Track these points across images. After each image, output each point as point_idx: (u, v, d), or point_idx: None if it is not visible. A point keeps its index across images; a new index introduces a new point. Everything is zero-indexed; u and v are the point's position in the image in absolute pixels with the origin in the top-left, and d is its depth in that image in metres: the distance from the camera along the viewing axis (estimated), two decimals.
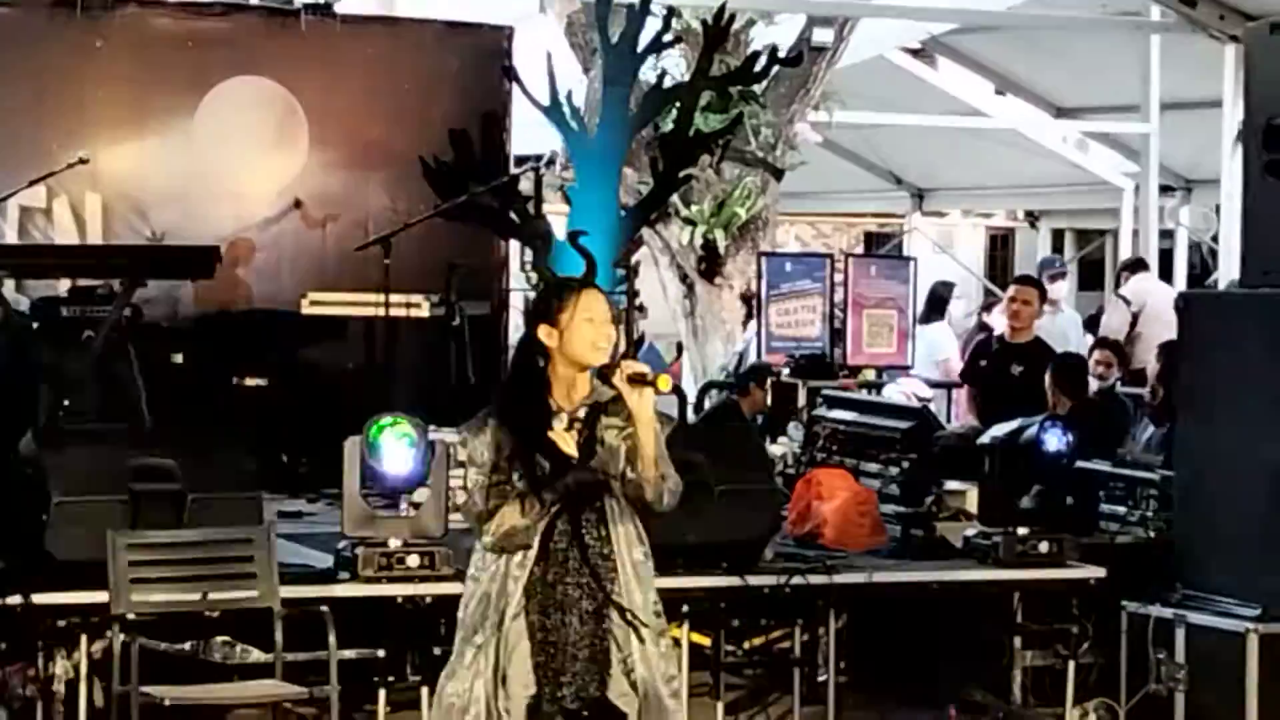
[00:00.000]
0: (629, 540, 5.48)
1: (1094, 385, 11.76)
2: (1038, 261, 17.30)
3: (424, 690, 7.74)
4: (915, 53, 20.38)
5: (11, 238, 11.28)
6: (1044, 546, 8.55)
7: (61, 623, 7.24)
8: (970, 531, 8.80)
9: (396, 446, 7.62)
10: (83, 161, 10.63)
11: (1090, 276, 29.68)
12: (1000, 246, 31.68)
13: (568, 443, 5.31)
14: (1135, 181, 18.54)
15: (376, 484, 7.70)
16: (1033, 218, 29.11)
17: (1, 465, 7.80)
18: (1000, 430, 8.87)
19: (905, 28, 17.91)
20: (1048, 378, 10.52)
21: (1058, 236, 29.85)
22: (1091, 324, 16.68)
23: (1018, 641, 8.64)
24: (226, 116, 11.85)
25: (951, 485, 9.47)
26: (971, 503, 9.29)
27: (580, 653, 5.39)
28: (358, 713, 8.04)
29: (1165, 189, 18.58)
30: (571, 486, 5.34)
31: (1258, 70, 8.81)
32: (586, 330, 5.42)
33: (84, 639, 7.27)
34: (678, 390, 11.79)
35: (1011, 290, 11.27)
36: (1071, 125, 20.28)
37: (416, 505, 7.72)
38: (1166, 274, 17.50)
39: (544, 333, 5.43)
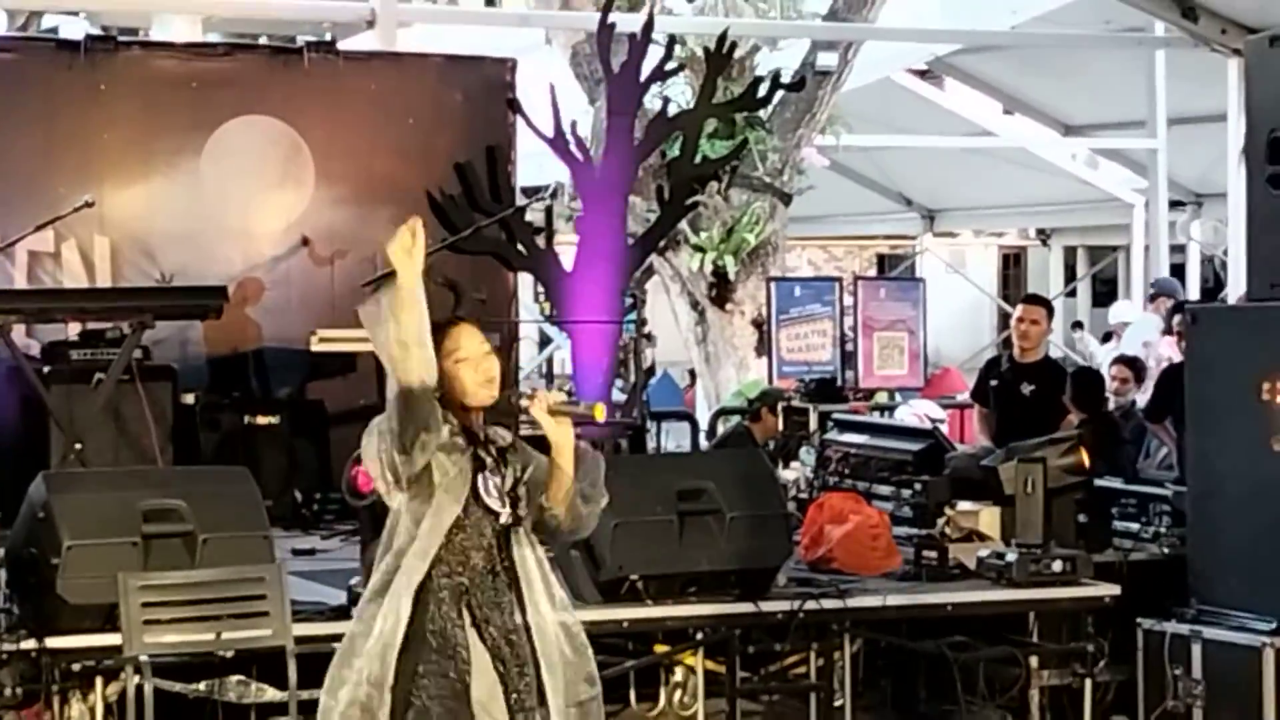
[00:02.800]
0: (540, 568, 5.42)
1: (1111, 402, 11.78)
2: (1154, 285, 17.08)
3: None
4: (921, 74, 20.43)
5: (21, 282, 11.30)
6: (1057, 566, 8.53)
7: (76, 666, 7.23)
8: (984, 552, 8.78)
9: None
10: (89, 205, 10.66)
11: (1104, 294, 29.68)
12: (1013, 265, 31.71)
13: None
14: (1145, 197, 18.55)
15: None
16: (1044, 236, 29.15)
17: (13, 509, 7.82)
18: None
19: (910, 49, 17.96)
20: (1066, 392, 10.52)
21: (1070, 254, 29.88)
22: (1105, 341, 16.70)
23: (1034, 661, 8.61)
24: (232, 156, 11.89)
25: (964, 506, 9.45)
26: (984, 523, 9.27)
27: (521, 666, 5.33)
28: None
29: (1175, 204, 18.61)
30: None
31: (1258, 83, 8.81)
32: (464, 371, 5.33)
33: (99, 682, 7.27)
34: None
35: (1020, 310, 11.26)
36: (1080, 143, 20.32)
37: None
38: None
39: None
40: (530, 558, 5.38)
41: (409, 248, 5.14)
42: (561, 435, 5.26)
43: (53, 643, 7.18)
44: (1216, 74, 15.53)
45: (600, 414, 5.27)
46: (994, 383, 11.06)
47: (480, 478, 5.31)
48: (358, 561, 8.18)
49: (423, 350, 5.14)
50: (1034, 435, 9.64)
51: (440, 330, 5.31)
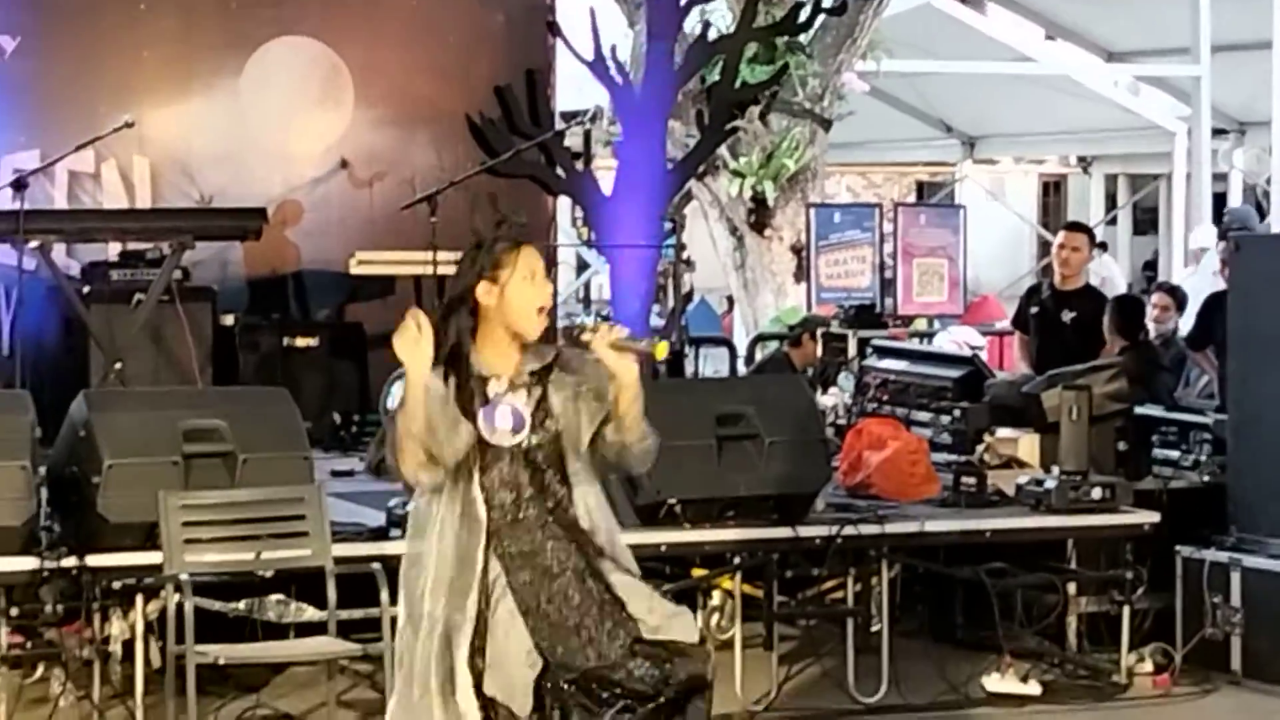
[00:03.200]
0: (597, 502, 5.20)
1: (1152, 330, 11.72)
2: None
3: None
4: None
5: (61, 202, 11.33)
6: (1097, 493, 8.51)
7: (117, 584, 7.27)
8: (1022, 479, 8.76)
9: None
10: (129, 125, 10.64)
11: (1144, 222, 29.52)
12: (1053, 193, 31.55)
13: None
14: (1188, 125, 18.42)
15: None
16: (1085, 163, 28.96)
17: (54, 428, 7.85)
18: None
19: None
20: (1105, 318, 10.48)
21: (1110, 182, 29.70)
22: (1148, 269, 16.62)
23: (1072, 588, 8.61)
24: (272, 77, 11.88)
25: (1003, 433, 9.43)
26: (1023, 450, 9.25)
27: (573, 620, 5.08)
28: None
29: (1218, 131, 18.46)
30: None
31: None
32: (527, 289, 5.11)
33: (139, 600, 7.30)
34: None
35: (1061, 237, 11.20)
36: (1122, 69, 20.16)
37: None
38: (1221, 217, 17.37)
39: (483, 290, 5.11)
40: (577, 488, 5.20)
41: (415, 339, 5.01)
42: (625, 371, 5.09)
43: (93, 560, 7.22)
44: (1262, 0, 15.39)
45: (663, 352, 5.16)
46: (1034, 310, 11.01)
47: (483, 413, 5.10)
48: (397, 483, 8.19)
49: (418, 449, 5.01)
50: (1074, 362, 9.61)
51: (516, 247, 5.15)
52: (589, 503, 5.18)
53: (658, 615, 5.14)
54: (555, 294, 12.33)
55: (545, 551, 5.12)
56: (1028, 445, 9.31)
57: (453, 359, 5.11)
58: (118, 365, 10.01)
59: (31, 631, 7.32)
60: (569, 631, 5.08)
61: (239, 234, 10.93)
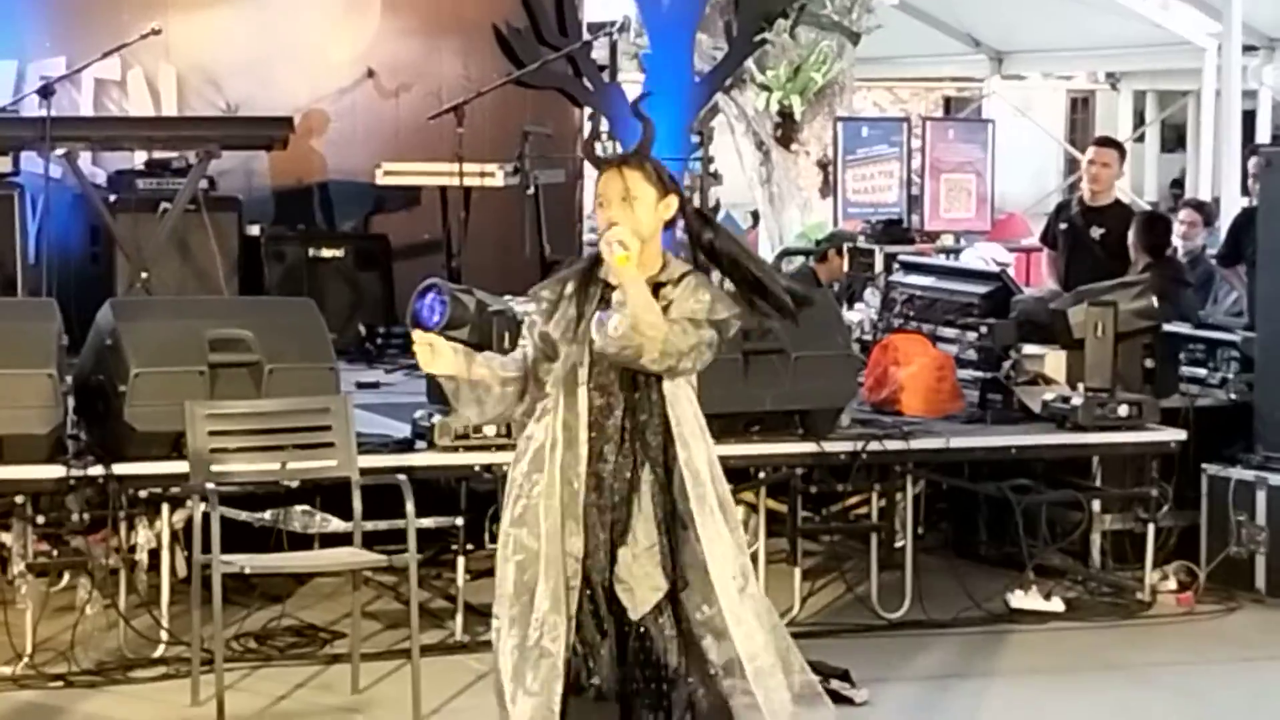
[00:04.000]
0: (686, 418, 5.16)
1: (1180, 247, 11.66)
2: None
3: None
4: None
5: (87, 110, 11.30)
6: (1123, 410, 8.49)
7: (143, 493, 7.29)
8: (1049, 396, 8.75)
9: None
10: (155, 32, 10.59)
11: (1172, 139, 29.39)
12: (1080, 109, 31.40)
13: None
14: (1218, 41, 18.26)
15: None
16: (1113, 80, 28.81)
17: (80, 337, 7.85)
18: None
19: None
20: (1130, 235, 10.42)
21: (1139, 98, 29.55)
22: (1175, 186, 16.55)
23: (1096, 505, 8.61)
24: None
25: (1030, 350, 9.40)
26: (1050, 367, 9.22)
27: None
28: (436, 580, 8.11)
29: (1249, 48, 18.28)
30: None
31: None
32: (600, 216, 5.12)
33: (165, 509, 7.33)
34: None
35: (1090, 153, 11.13)
36: None
37: None
38: (1250, 135, 17.26)
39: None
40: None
41: (429, 362, 5.17)
42: (613, 266, 5.04)
43: (120, 469, 7.23)
44: None
45: (622, 263, 4.98)
46: (1063, 226, 10.96)
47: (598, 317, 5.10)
48: (422, 395, 8.20)
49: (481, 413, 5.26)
50: (1102, 279, 9.57)
51: (598, 178, 5.17)
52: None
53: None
54: (579, 204, 12.39)
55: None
56: (1054, 362, 9.27)
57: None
58: (144, 275, 10.02)
59: (58, 540, 7.34)
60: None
61: (265, 143, 10.90)
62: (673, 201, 5.16)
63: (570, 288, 5.16)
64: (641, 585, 5.10)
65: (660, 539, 5.11)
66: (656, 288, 5.11)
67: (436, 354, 5.15)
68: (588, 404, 5.13)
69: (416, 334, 5.20)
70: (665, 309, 5.06)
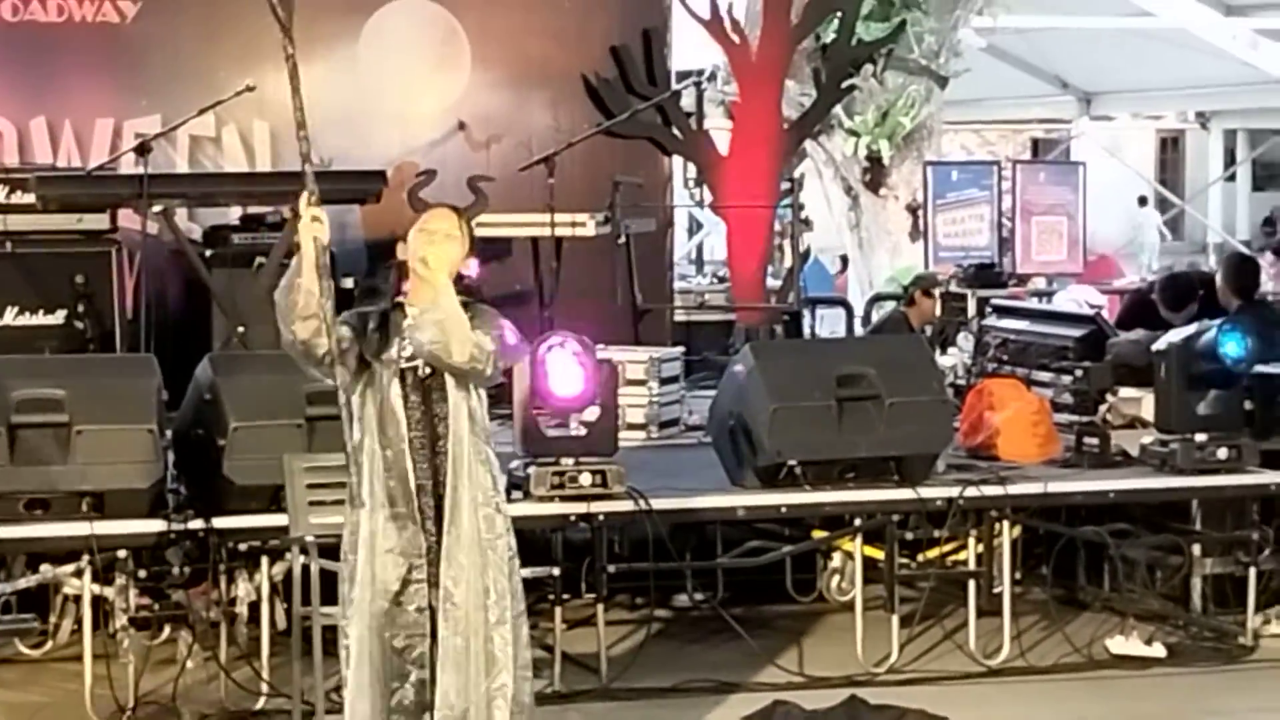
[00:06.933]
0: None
1: (1271, 288, 11.58)
2: None
3: (599, 607, 7.80)
4: None
5: (183, 167, 11.40)
6: (1223, 453, 8.42)
7: (242, 546, 7.34)
8: (1147, 439, 8.68)
9: (565, 366, 7.63)
10: (250, 89, 10.67)
11: (1264, 177, 29.17)
12: (1170, 149, 31.22)
13: None
14: None
15: (547, 403, 7.73)
16: (1203, 119, 28.65)
17: (178, 392, 7.92)
18: (1176, 336, 8.73)
19: None
20: (1218, 277, 10.34)
21: (1230, 137, 29.36)
22: (1267, 225, 16.42)
23: (1196, 549, 8.52)
24: (390, 40, 11.90)
25: (1126, 393, 9.34)
26: (1146, 410, 9.16)
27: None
28: (533, 630, 8.10)
29: None
30: None
31: None
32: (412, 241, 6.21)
33: (264, 561, 7.38)
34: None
35: None
36: (1242, 23, 19.88)
37: (587, 424, 7.75)
38: None
39: None
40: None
41: (312, 227, 6.09)
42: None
43: (219, 523, 7.30)
44: None
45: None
46: None
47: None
48: (512, 445, 8.23)
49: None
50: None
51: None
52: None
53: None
54: (670, 253, 12.45)
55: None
56: (1151, 405, 9.21)
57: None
58: (240, 329, 10.08)
59: (159, 593, 7.40)
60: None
61: (358, 196, 10.96)
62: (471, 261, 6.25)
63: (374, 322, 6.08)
64: None
65: None
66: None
67: (321, 225, 6.00)
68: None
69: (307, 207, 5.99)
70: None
